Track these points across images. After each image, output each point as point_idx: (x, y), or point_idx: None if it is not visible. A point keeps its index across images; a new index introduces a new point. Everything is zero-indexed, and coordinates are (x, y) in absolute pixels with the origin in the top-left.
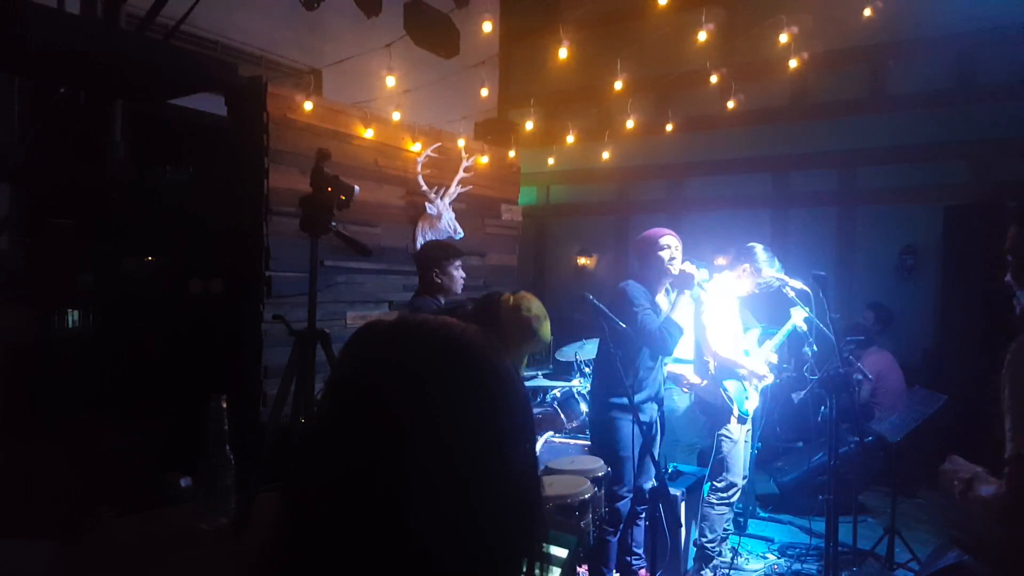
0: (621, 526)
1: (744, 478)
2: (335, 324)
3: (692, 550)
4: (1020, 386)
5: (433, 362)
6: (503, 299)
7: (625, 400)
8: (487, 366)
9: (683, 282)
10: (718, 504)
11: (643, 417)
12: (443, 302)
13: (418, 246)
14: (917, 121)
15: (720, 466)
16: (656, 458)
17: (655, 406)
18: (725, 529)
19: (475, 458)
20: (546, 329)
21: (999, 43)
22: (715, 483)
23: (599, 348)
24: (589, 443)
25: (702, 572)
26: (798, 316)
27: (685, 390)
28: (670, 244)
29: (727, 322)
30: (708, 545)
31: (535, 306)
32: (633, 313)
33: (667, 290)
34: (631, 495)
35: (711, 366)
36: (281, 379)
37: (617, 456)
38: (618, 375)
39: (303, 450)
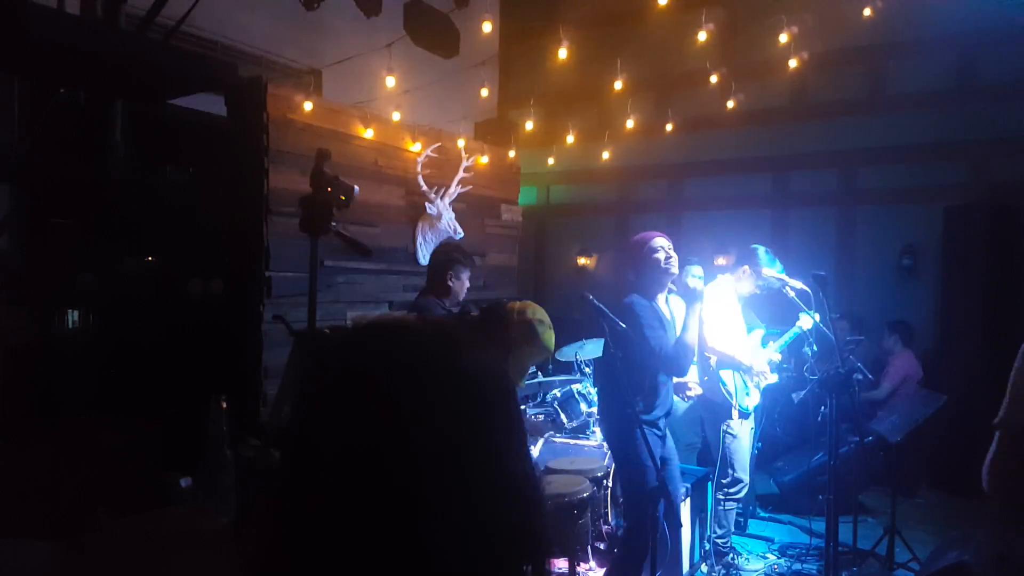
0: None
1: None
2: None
3: (696, 549)
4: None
5: (418, 359)
6: (509, 306)
7: (644, 416)
8: (471, 362)
9: (691, 296)
10: (726, 501)
11: (658, 432)
12: (447, 305)
13: (418, 246)
14: (917, 121)
15: (725, 463)
16: (656, 460)
17: (666, 419)
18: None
19: (469, 453)
20: (549, 336)
21: (999, 43)
22: (721, 480)
23: (602, 364)
24: (588, 443)
25: (715, 568)
26: (806, 323)
27: (687, 398)
28: (663, 245)
29: (726, 319)
30: (719, 541)
31: (539, 312)
32: (644, 336)
33: (667, 294)
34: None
35: (712, 361)
36: (281, 379)
37: (644, 466)
38: (629, 392)
39: (297, 452)
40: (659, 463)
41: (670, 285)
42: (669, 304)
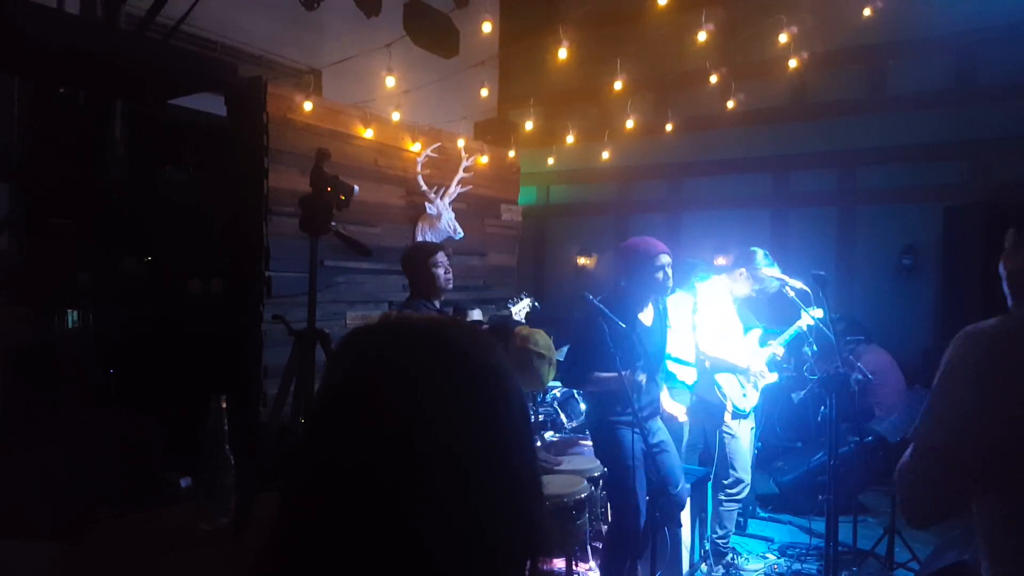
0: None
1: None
2: (335, 324)
3: (696, 549)
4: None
5: (422, 356)
6: (517, 330)
7: (626, 417)
8: (478, 358)
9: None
10: (727, 501)
11: (640, 431)
12: (438, 305)
13: None
14: (917, 121)
15: (725, 463)
16: (634, 461)
17: (658, 418)
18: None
19: (473, 452)
20: (547, 371)
21: (999, 43)
22: (723, 481)
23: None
24: (587, 443)
25: (715, 568)
26: (807, 321)
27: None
28: (665, 263)
29: (720, 322)
30: (720, 541)
31: (542, 345)
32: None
33: (654, 303)
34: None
35: (706, 364)
36: (281, 379)
37: (624, 469)
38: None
39: (301, 452)
40: (639, 460)
41: None
42: (659, 306)
